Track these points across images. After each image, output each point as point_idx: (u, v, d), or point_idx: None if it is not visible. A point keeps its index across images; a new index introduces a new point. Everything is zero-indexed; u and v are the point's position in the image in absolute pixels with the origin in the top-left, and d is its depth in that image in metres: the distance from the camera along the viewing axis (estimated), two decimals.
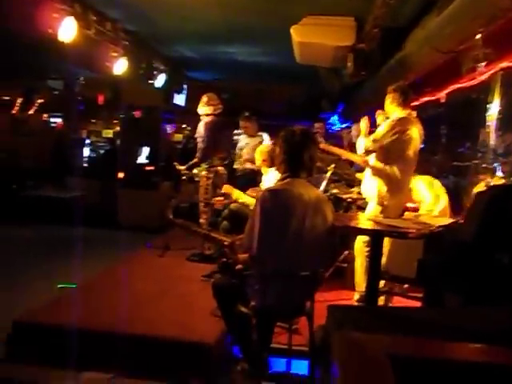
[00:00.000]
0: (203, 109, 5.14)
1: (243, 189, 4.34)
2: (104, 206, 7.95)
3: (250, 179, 5.41)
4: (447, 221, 3.51)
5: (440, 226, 3.03)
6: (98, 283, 4.50)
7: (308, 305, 2.68)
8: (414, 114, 3.85)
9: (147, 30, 6.23)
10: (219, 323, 2.97)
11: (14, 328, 3.24)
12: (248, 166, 5.83)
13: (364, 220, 3.13)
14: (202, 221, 4.96)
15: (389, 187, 3.69)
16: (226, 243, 2.79)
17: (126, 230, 6.99)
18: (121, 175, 8.34)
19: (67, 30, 4.63)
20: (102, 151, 11.05)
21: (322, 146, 4.05)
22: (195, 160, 5.19)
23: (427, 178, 4.57)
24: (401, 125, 3.65)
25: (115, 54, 5.73)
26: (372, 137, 3.66)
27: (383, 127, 3.67)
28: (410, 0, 3.68)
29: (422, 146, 4.10)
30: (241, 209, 4.12)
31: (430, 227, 2.91)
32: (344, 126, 8.94)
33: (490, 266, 2.66)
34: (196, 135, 5.33)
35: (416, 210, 5.13)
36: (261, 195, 2.63)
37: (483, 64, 3.75)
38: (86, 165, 10.97)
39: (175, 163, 5.42)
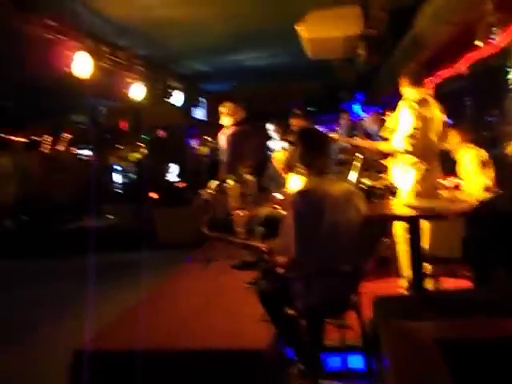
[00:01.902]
0: (224, 120, 5.21)
1: None
2: (142, 228, 8.11)
3: None
4: (484, 194, 3.43)
5: (477, 202, 2.97)
6: (149, 303, 4.59)
7: (354, 299, 2.68)
8: (430, 92, 3.80)
9: (159, 52, 6.37)
10: (269, 328, 2.99)
11: (75, 357, 3.33)
12: None
13: (399, 206, 3.09)
14: (238, 229, 4.99)
15: (419, 171, 3.65)
16: (263, 249, 2.81)
17: (166, 249, 7.12)
18: (154, 195, 8.53)
19: (82, 66, 4.78)
20: (131, 175, 11.30)
21: (351, 141, 4.01)
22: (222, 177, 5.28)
23: (475, 152, 4.43)
24: (420, 107, 3.62)
25: (131, 80, 5.87)
26: (407, 134, 3.61)
27: (410, 119, 3.63)
28: None
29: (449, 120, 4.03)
30: (274, 213, 4.13)
31: (467, 204, 2.85)
32: (367, 114, 8.84)
33: None
34: (219, 148, 5.40)
35: (456, 187, 5.01)
36: (291, 198, 2.65)
37: (497, 30, 3.64)
38: (118, 190, 11.25)
39: (204, 190, 5.49)
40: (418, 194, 3.58)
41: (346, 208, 2.60)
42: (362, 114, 9.63)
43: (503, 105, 5.36)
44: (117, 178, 11.53)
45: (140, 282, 5.54)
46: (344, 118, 7.00)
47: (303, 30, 4.88)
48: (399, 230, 3.77)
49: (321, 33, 4.88)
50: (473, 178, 4.46)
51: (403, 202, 3.58)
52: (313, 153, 2.66)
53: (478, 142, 5.28)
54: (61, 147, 11.50)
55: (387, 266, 4.44)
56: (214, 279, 5.12)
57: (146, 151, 10.33)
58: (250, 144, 5.39)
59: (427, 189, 3.66)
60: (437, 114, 3.70)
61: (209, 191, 5.33)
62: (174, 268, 6.01)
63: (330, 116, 9.52)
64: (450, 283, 3.89)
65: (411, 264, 3.11)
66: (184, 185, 9.63)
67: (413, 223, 2.84)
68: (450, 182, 4.67)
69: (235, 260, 5.22)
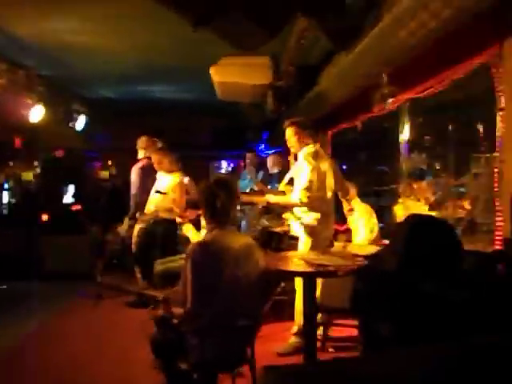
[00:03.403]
0: (139, 153, 5.25)
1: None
2: (28, 254, 7.52)
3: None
4: (374, 249, 3.69)
5: (367, 257, 3.19)
6: (31, 345, 4.27)
7: (248, 352, 2.71)
8: (318, 146, 4.09)
9: (64, 74, 6.09)
10: (161, 377, 2.91)
11: None
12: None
13: (296, 260, 3.22)
14: (138, 275, 4.87)
15: (318, 222, 3.86)
16: (160, 298, 2.76)
17: (54, 280, 6.67)
18: (44, 217, 7.97)
19: None
20: (21, 195, 10.50)
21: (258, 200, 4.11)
22: (131, 212, 5.19)
23: (367, 209, 4.84)
24: (315, 160, 3.88)
25: (30, 101, 5.54)
26: (303, 186, 3.80)
27: (306, 172, 3.83)
28: (321, 40, 3.89)
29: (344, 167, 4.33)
30: (169, 267, 4.12)
31: (357, 261, 3.05)
32: (271, 151, 9.17)
33: (413, 295, 2.83)
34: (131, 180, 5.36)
35: (345, 231, 5.38)
36: (190, 249, 2.65)
37: (390, 98, 4.02)
38: (5, 212, 10.38)
39: (118, 228, 5.32)
40: (313, 247, 3.78)
41: (245, 262, 2.64)
42: (267, 152, 9.96)
43: (393, 160, 5.88)
44: (5, 197, 10.66)
45: (21, 319, 5.13)
46: (251, 157, 7.19)
47: (215, 73, 5.00)
48: (296, 279, 3.93)
49: (231, 78, 5.03)
50: (360, 228, 4.85)
51: (300, 252, 3.75)
52: (217, 207, 2.69)
53: (368, 193, 5.76)
54: None
55: (280, 309, 4.60)
56: (105, 317, 4.90)
57: (40, 170, 9.69)
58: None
59: (322, 241, 3.88)
60: (328, 167, 3.99)
61: (123, 228, 5.16)
62: (62, 302, 5.65)
63: (236, 152, 9.76)
64: (338, 332, 4.13)
65: (304, 314, 3.23)
66: (79, 207, 9.11)
67: (308, 279, 2.97)
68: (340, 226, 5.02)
69: (129, 296, 5.06)
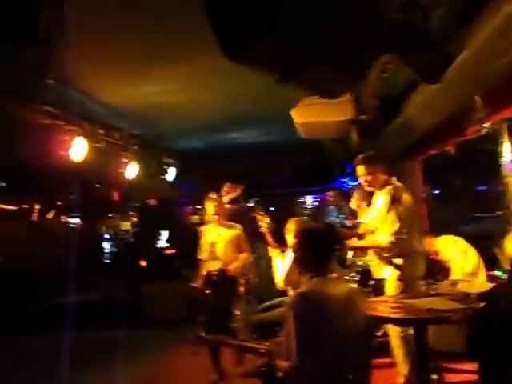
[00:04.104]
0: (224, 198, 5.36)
1: None
2: (129, 302, 7.86)
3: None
4: (485, 286, 3.41)
5: (480, 296, 2.93)
6: None
7: None
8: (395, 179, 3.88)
9: (153, 131, 6.48)
10: None
11: None
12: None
13: (393, 304, 3.03)
14: (237, 313, 4.91)
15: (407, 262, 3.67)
16: (263, 351, 2.71)
17: (156, 326, 6.90)
18: (143, 263, 8.34)
19: (78, 150, 4.83)
20: (121, 244, 11.13)
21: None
22: None
23: (449, 238, 4.55)
24: (396, 193, 3.72)
25: (126, 160, 5.93)
26: (392, 226, 3.64)
27: (383, 205, 3.69)
28: (404, 71, 3.79)
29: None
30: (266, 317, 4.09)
31: (471, 302, 2.81)
32: (355, 183, 8.99)
33: None
34: None
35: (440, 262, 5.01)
36: (291, 300, 2.59)
37: (485, 121, 3.78)
38: (107, 260, 11.04)
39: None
40: (404, 289, 3.57)
41: (349, 310, 2.54)
42: (352, 184, 9.77)
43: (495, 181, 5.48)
44: (107, 247, 11.38)
45: (124, 367, 5.32)
46: (333, 196, 7.13)
47: (296, 115, 5.04)
48: (391, 327, 3.72)
49: (313, 117, 5.03)
50: (457, 261, 4.48)
51: (396, 298, 3.51)
52: (319, 256, 2.63)
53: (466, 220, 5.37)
54: (50, 215, 11.41)
55: (386, 351, 4.35)
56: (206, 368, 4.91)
57: (136, 219, 10.28)
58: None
59: (413, 282, 3.65)
60: (408, 198, 3.80)
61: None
62: (166, 350, 5.80)
63: (320, 187, 9.67)
64: (454, 377, 3.80)
65: (417, 362, 3.02)
66: (173, 251, 9.47)
67: (419, 327, 2.77)
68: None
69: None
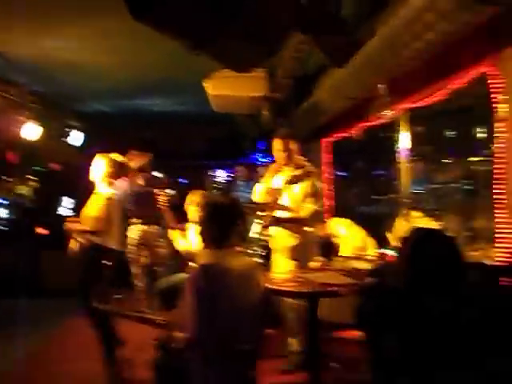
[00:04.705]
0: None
1: None
2: (26, 271, 7.44)
3: None
4: (374, 263, 3.65)
5: (371, 273, 3.14)
6: (29, 363, 4.22)
7: (252, 375, 2.66)
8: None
9: (56, 90, 6.05)
10: None
11: None
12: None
13: (291, 277, 3.15)
14: (139, 284, 4.86)
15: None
16: (161, 322, 2.70)
17: (53, 297, 6.60)
18: (42, 231, 7.89)
19: None
20: (18, 210, 10.42)
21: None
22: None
23: (342, 220, 4.81)
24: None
25: (23, 119, 5.49)
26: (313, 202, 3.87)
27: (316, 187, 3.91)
28: (315, 53, 3.86)
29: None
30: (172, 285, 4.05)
31: (360, 277, 3.00)
32: (267, 160, 9.16)
33: (419, 311, 2.78)
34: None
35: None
36: (191, 272, 2.59)
37: (388, 108, 3.99)
38: (3, 228, 10.29)
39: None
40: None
41: (247, 284, 2.59)
42: (263, 162, 9.94)
43: (391, 168, 5.85)
44: (2, 212, 10.57)
45: (21, 338, 5.07)
46: (241, 171, 7.24)
47: (209, 87, 4.96)
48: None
49: (226, 90, 4.99)
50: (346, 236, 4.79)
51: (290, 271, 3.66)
52: (221, 229, 2.64)
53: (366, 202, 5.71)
54: None
55: (279, 324, 4.53)
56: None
57: (36, 184, 9.63)
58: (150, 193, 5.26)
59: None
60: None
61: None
62: (62, 321, 5.58)
63: (232, 161, 9.73)
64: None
65: (307, 333, 3.18)
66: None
67: (312, 300, 2.91)
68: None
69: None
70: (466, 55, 3.09)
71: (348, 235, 4.65)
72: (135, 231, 5.12)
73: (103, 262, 3.80)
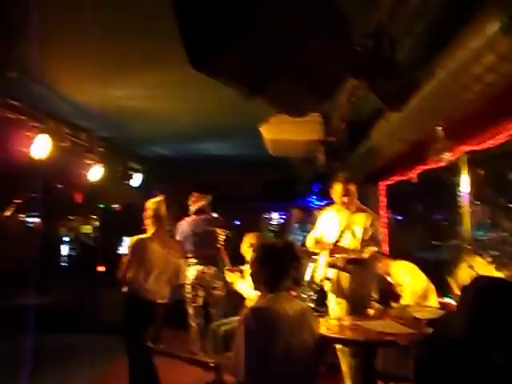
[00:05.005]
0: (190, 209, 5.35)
1: None
2: (86, 307, 7.66)
3: None
4: (435, 312, 3.47)
5: (430, 322, 2.99)
6: None
7: None
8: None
9: (121, 135, 6.40)
10: None
11: None
12: None
13: (347, 325, 3.05)
14: (193, 325, 4.89)
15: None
16: (211, 364, 2.68)
17: (112, 333, 6.71)
18: (101, 269, 8.14)
19: (41, 147, 4.70)
20: (81, 248, 10.84)
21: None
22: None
23: (400, 262, 4.64)
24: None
25: (91, 162, 5.83)
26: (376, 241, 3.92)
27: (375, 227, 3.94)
28: (371, 97, 3.87)
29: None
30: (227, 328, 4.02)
31: (421, 327, 2.86)
32: (322, 203, 9.10)
33: (484, 365, 2.59)
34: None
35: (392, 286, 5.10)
36: (243, 315, 2.57)
37: (446, 151, 3.89)
38: (66, 264, 10.72)
39: None
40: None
41: (300, 329, 2.54)
42: (317, 205, 9.89)
43: (451, 211, 5.63)
44: (65, 250, 11.05)
45: (76, 372, 5.18)
46: (297, 213, 7.22)
47: (265, 131, 5.07)
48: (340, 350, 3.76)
49: (282, 135, 5.07)
50: (408, 284, 4.59)
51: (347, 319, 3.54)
52: (274, 272, 2.63)
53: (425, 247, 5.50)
54: (8, 213, 11.02)
55: (337, 371, 4.37)
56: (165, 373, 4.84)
57: (97, 224, 10.06)
58: (206, 232, 5.35)
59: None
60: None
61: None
62: (119, 356, 5.65)
63: (287, 204, 9.74)
64: None
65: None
66: None
67: (368, 350, 2.80)
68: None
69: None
70: None
71: (410, 281, 4.48)
72: (193, 271, 5.19)
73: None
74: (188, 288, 5.15)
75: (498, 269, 4.15)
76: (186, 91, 4.74)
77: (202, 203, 5.38)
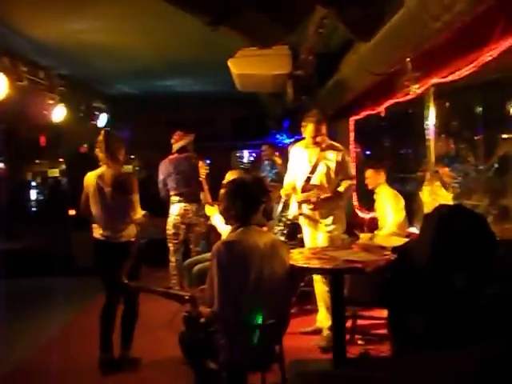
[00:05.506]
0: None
1: None
2: (58, 250, 7.66)
3: None
4: (401, 241, 3.61)
5: (395, 250, 3.11)
6: (63, 339, 4.48)
7: (277, 350, 2.70)
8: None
9: (83, 72, 6.13)
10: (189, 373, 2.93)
11: None
12: None
13: (319, 255, 3.16)
14: (172, 260, 5.00)
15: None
16: (186, 297, 2.75)
17: (84, 275, 6.79)
18: (72, 212, 8.06)
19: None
20: (49, 192, 10.66)
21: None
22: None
23: (394, 194, 4.75)
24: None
25: (52, 102, 5.59)
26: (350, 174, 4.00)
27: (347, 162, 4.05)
28: (340, 28, 3.79)
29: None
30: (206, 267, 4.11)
31: (385, 254, 2.98)
32: (291, 140, 9.11)
33: (445, 289, 2.76)
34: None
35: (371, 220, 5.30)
36: (216, 248, 2.62)
37: (414, 84, 3.90)
38: (35, 209, 10.58)
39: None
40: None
41: (271, 260, 2.62)
42: (288, 141, 9.89)
43: (418, 145, 5.74)
44: (33, 195, 10.86)
45: (49, 315, 5.29)
46: (267, 149, 7.23)
47: (233, 66, 4.94)
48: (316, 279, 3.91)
49: (250, 69, 4.96)
50: (388, 215, 4.75)
51: (318, 248, 3.67)
52: (246, 206, 2.66)
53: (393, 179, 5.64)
54: None
55: (308, 300, 4.58)
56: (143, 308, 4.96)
57: (64, 166, 9.86)
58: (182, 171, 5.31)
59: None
60: None
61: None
62: (91, 298, 5.74)
63: (257, 141, 9.70)
64: (366, 323, 4.10)
65: (332, 310, 3.20)
66: None
67: (335, 276, 2.92)
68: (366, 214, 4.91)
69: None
70: (497, 25, 2.98)
71: (392, 212, 4.64)
72: (176, 208, 5.20)
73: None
74: (170, 224, 5.19)
75: (456, 198, 4.33)
76: (150, 23, 4.53)
77: (184, 142, 5.29)
